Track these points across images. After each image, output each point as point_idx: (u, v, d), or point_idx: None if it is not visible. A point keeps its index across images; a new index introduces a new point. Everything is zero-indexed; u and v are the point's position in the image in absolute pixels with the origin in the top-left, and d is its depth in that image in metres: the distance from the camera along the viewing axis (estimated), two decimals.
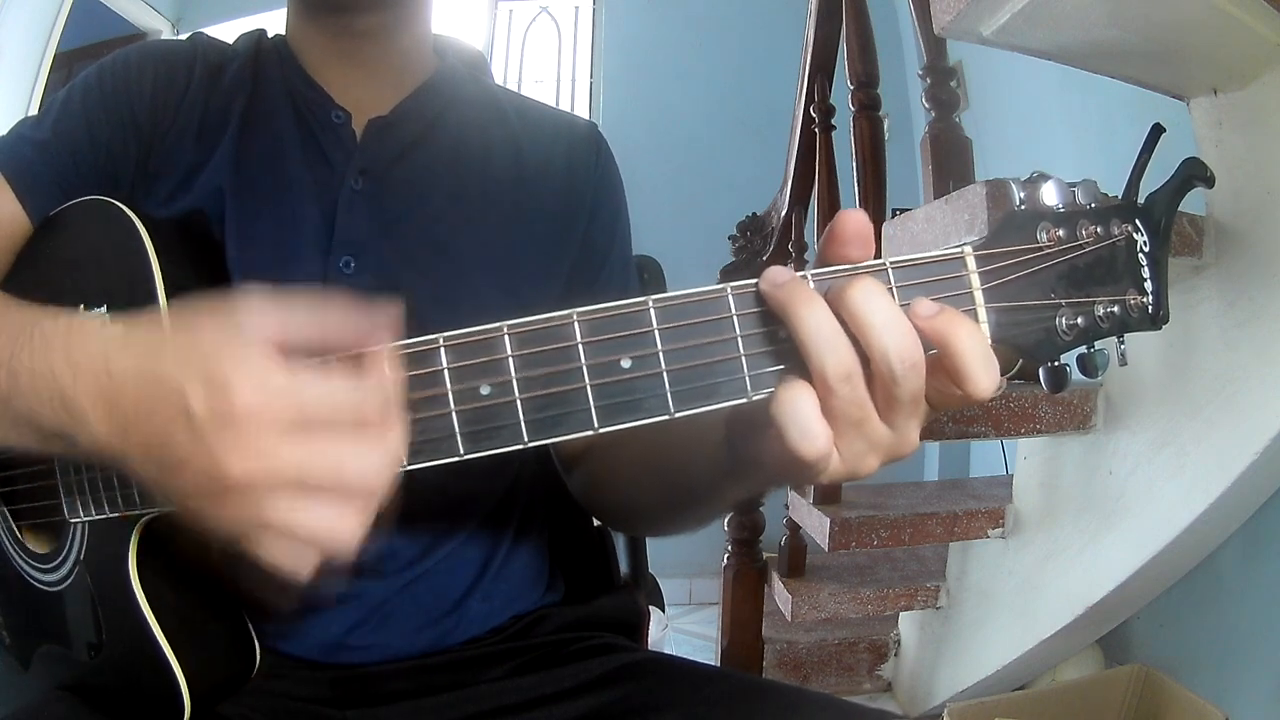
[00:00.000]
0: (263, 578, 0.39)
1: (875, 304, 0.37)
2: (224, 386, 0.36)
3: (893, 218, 1.55)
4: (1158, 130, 0.42)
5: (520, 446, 0.40)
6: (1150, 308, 0.41)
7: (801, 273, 0.39)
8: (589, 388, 0.39)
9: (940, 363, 0.38)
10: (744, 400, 0.39)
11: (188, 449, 0.37)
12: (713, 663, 1.78)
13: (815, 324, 0.37)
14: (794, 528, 1.68)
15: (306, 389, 0.37)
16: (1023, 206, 0.41)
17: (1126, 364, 0.41)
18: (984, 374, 0.37)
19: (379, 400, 0.38)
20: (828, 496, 1.56)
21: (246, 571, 0.40)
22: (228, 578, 0.59)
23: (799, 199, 1.98)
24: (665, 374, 0.39)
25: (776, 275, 0.39)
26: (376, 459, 0.38)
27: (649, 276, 0.93)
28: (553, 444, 0.70)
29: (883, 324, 0.37)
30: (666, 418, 0.39)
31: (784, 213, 2.01)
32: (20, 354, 0.44)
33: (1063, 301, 0.40)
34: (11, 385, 0.44)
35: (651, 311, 0.39)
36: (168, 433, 0.38)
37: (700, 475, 0.52)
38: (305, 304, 0.39)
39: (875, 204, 1.58)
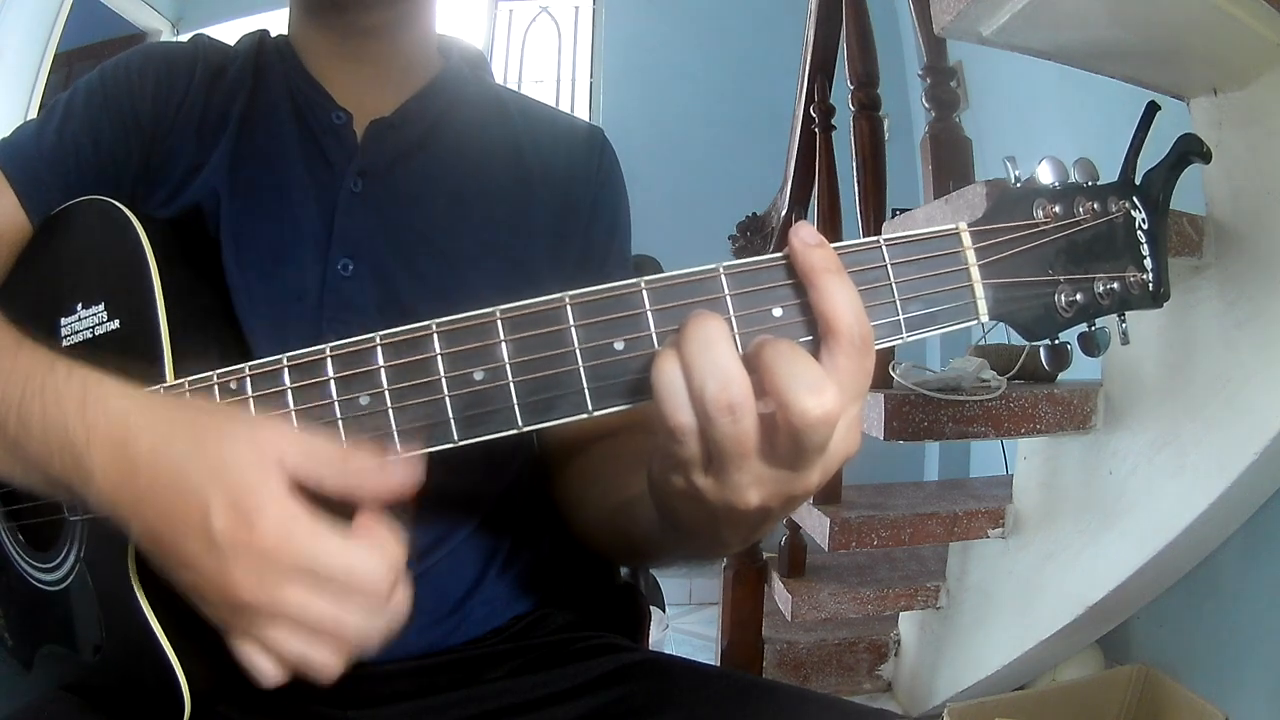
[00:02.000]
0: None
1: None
2: (249, 517, 0.38)
3: (893, 218, 1.56)
4: (1153, 108, 0.42)
5: (515, 431, 0.40)
6: (1151, 285, 0.41)
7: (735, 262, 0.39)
8: (582, 370, 0.39)
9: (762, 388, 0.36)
10: None
11: (200, 558, 0.39)
12: (713, 663, 1.78)
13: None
14: (794, 527, 1.68)
15: (325, 546, 0.39)
16: (1018, 184, 0.41)
17: (1129, 342, 0.41)
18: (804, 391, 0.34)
19: (391, 573, 0.40)
20: (828, 496, 1.56)
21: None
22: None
23: (799, 199, 1.98)
24: None
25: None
26: (374, 625, 0.41)
27: None
28: (543, 438, 0.71)
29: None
30: None
31: (784, 213, 2.01)
32: (31, 401, 0.44)
33: (1061, 278, 0.40)
34: (21, 431, 0.44)
35: (644, 293, 0.39)
36: (184, 536, 0.40)
37: (640, 515, 0.50)
38: (332, 450, 0.41)
39: (875, 204, 1.58)
